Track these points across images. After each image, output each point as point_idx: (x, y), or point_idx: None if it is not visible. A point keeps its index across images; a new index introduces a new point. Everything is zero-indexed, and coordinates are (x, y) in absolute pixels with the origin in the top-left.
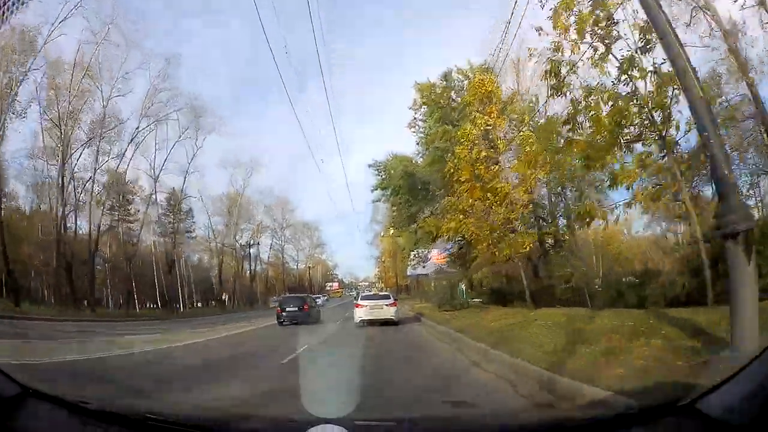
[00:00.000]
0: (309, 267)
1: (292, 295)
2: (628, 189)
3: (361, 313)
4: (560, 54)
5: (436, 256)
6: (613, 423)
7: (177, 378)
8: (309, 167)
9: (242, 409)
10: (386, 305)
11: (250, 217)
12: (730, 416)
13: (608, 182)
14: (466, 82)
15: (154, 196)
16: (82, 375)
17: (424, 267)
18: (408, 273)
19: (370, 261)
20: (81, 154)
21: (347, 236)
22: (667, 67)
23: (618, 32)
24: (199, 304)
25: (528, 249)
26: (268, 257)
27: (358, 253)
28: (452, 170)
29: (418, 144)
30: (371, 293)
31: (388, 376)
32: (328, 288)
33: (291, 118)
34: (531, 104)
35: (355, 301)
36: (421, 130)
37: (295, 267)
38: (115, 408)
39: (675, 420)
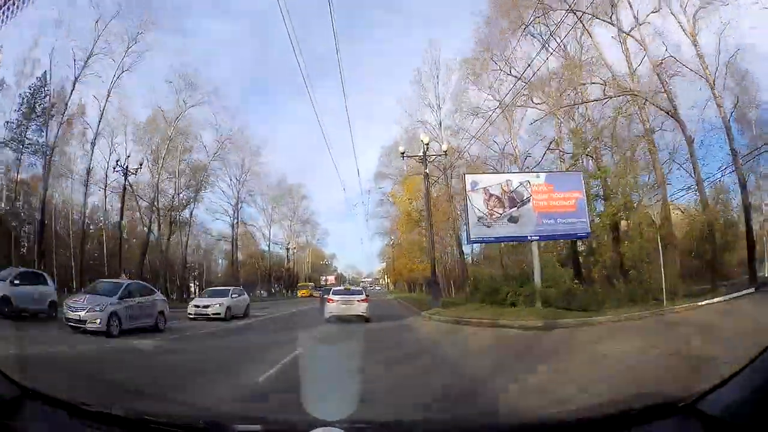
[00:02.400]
0: (289, 249)
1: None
2: None
3: (331, 309)
4: None
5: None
6: (614, 423)
7: None
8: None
9: (242, 411)
10: (357, 301)
11: (174, 144)
12: (731, 416)
13: None
14: None
15: None
16: None
17: (515, 221)
18: (473, 236)
19: (374, 241)
20: None
21: (350, 226)
22: None
23: None
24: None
25: None
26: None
27: (360, 246)
28: None
29: None
30: (343, 288)
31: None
32: (322, 282)
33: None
34: None
35: (324, 296)
36: None
37: (267, 248)
38: (115, 410)
39: (676, 420)
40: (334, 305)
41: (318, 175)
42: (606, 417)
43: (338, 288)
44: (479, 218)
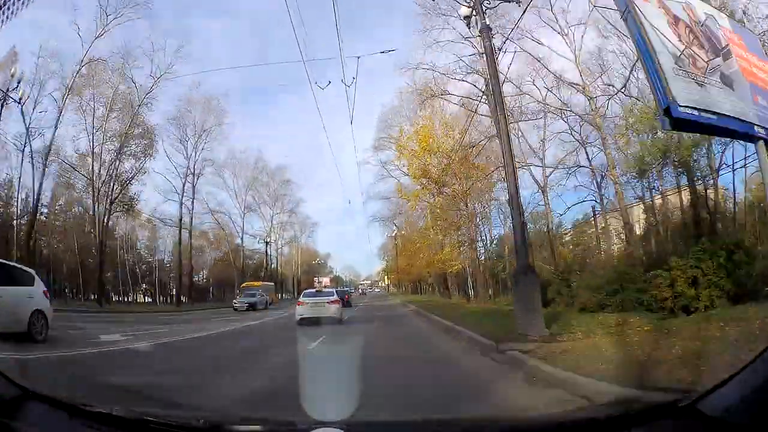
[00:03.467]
0: (269, 242)
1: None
2: None
3: (301, 311)
4: None
5: None
6: (614, 423)
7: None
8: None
9: (242, 411)
10: (327, 303)
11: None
12: (731, 416)
13: None
14: None
15: None
16: None
17: (729, 84)
18: (685, 102)
19: (373, 238)
20: None
21: (348, 222)
22: None
23: None
24: None
25: None
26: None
27: (358, 245)
28: None
29: None
30: (314, 290)
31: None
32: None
33: None
34: None
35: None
36: None
37: (241, 240)
38: (115, 410)
39: (675, 420)
40: (304, 308)
41: (314, 173)
42: (606, 417)
43: (309, 290)
44: (677, 60)
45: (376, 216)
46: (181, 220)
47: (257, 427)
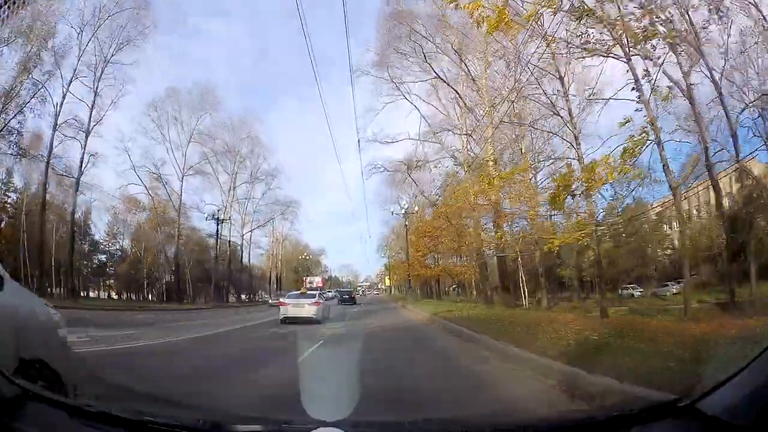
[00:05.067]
0: (220, 219)
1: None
2: None
3: (284, 311)
4: None
5: None
6: (614, 423)
7: None
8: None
9: (242, 412)
10: (308, 304)
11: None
12: (731, 416)
13: None
14: None
15: None
16: None
17: None
18: None
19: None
20: None
21: (346, 214)
22: None
23: None
24: None
25: None
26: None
27: (358, 247)
28: None
29: None
30: (297, 293)
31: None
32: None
33: None
34: None
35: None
36: None
37: (177, 209)
38: (115, 410)
39: (675, 420)
40: (286, 308)
41: (311, 166)
42: (606, 417)
43: (293, 293)
44: None
45: (375, 163)
46: (50, 154)
47: (257, 427)
